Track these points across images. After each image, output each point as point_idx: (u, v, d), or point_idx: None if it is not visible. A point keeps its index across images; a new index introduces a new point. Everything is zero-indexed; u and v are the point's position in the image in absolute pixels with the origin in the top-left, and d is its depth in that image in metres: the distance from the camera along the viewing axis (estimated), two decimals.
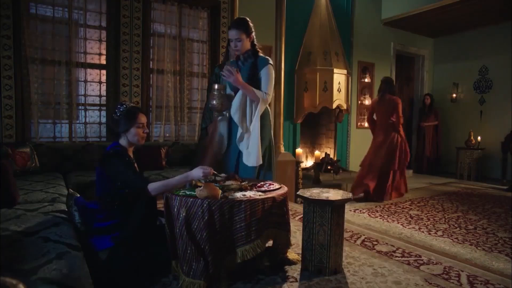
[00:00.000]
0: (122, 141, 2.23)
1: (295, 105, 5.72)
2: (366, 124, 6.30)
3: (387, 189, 4.66)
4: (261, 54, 2.66)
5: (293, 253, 2.50)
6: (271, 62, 2.63)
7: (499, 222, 3.76)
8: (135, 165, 2.28)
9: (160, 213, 2.41)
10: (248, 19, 2.61)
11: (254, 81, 2.59)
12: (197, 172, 2.08)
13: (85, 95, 4.20)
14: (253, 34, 2.61)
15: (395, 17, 6.45)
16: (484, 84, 7.00)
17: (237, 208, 1.97)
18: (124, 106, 2.21)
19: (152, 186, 2.06)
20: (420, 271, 2.36)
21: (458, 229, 3.49)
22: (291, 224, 2.43)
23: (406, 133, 5.32)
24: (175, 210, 2.00)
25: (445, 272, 2.35)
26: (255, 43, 2.65)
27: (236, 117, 2.57)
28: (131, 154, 2.27)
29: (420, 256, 2.62)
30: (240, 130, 2.59)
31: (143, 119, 2.22)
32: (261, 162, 2.60)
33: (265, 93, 2.57)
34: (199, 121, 4.71)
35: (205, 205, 1.93)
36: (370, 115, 5.03)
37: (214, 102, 2.61)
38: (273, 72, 2.65)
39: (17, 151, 3.38)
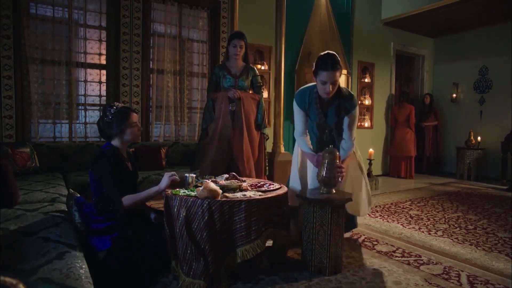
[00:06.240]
0: (115, 142, 2.20)
1: None
2: (366, 124, 6.65)
3: (407, 169, 6.64)
4: (344, 92, 2.53)
5: (293, 253, 2.50)
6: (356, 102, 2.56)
7: (499, 222, 3.76)
8: (129, 163, 2.27)
9: (150, 210, 2.41)
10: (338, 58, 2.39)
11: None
12: (164, 181, 2.12)
13: (85, 95, 4.20)
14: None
15: (395, 17, 6.45)
16: (484, 84, 6.99)
17: (237, 208, 1.97)
18: (114, 107, 2.16)
19: (126, 201, 2.06)
20: (420, 271, 2.36)
21: (458, 229, 3.49)
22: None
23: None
24: (175, 210, 2.00)
25: (445, 272, 2.35)
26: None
27: None
28: (124, 153, 2.26)
29: (420, 256, 2.62)
30: None
31: (135, 118, 2.20)
32: None
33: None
34: (199, 121, 4.71)
35: (205, 205, 1.93)
36: (393, 117, 6.86)
37: None
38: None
39: (17, 151, 3.38)
